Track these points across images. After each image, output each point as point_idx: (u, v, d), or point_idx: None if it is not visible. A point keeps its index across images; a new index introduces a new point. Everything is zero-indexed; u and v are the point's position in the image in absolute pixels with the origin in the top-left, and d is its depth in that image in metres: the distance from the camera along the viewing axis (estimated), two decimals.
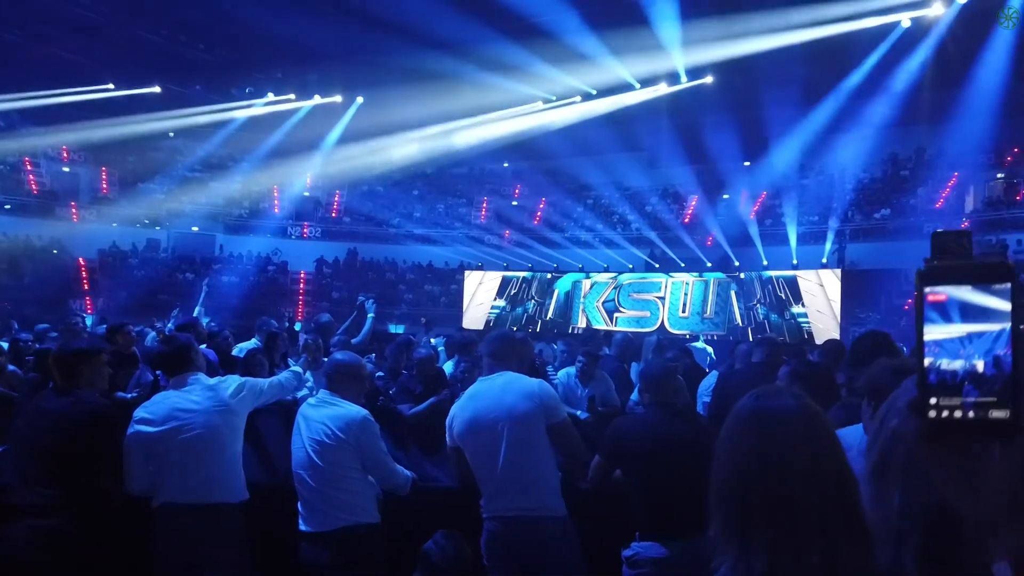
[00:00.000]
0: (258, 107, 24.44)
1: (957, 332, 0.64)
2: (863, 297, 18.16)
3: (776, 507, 1.03)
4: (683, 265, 21.30)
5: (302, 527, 3.38)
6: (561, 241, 24.42)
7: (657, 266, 22.07)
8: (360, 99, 24.67)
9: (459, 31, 16.62)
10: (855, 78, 19.53)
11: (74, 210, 24.61)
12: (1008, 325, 0.62)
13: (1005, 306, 0.62)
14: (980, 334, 0.63)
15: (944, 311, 0.65)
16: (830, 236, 20.59)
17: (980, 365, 0.62)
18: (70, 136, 24.59)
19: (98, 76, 21.68)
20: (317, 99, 24.20)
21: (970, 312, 0.63)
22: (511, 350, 3.58)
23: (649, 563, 3.32)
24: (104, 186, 25.77)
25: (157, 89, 22.72)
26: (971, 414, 0.63)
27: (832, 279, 17.40)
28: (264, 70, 21.76)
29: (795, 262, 19.60)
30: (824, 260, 19.45)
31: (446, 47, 17.72)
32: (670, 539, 3.30)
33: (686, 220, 24.04)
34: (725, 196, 23.99)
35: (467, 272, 23.10)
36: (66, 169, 25.75)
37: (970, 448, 0.64)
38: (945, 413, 0.64)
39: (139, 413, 3.47)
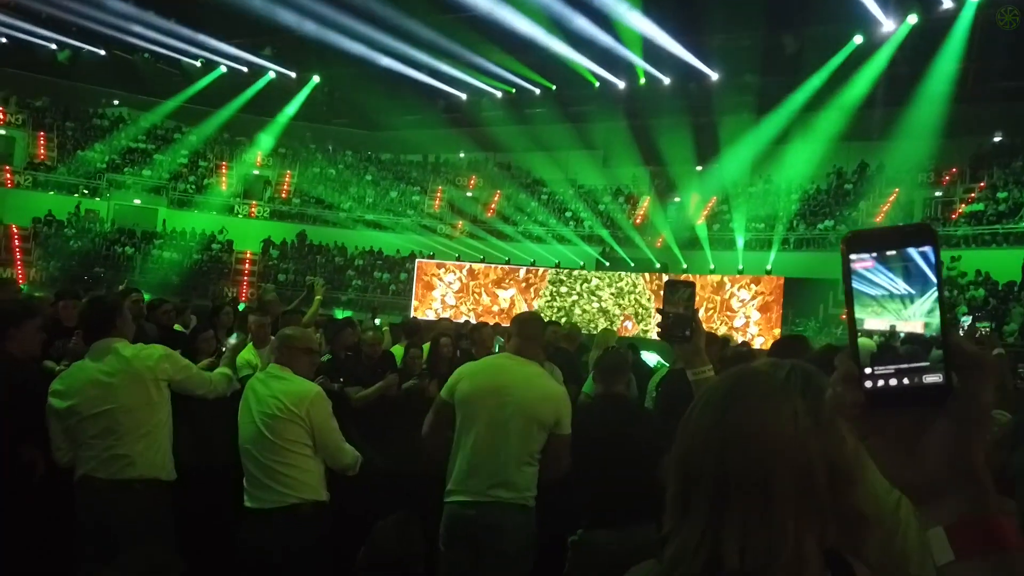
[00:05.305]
0: (210, 78, 23.78)
1: (885, 299, 0.62)
2: (801, 305, 18.63)
3: (754, 487, 0.91)
4: (632, 265, 21.53)
5: (247, 503, 3.29)
6: (514, 235, 24.41)
7: (608, 264, 22.27)
8: (316, 77, 24.22)
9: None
10: (806, 91, 20.04)
11: (8, 175, 23.53)
12: (934, 288, 0.61)
13: (929, 270, 0.61)
14: (908, 299, 0.62)
15: (871, 278, 0.63)
16: (775, 243, 21.08)
17: (910, 330, 0.62)
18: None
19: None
20: (271, 74, 23.68)
21: (897, 278, 0.62)
22: (542, 332, 3.60)
23: (593, 549, 3.35)
24: (41, 152, 24.68)
25: (102, 52, 21.93)
26: (905, 380, 0.61)
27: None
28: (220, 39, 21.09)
29: (741, 267, 20.02)
30: (768, 267, 19.91)
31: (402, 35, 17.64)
32: (615, 526, 3.33)
33: (637, 221, 24.31)
34: (676, 199, 24.35)
35: (418, 260, 22.93)
36: (2, 132, 24.58)
37: (907, 415, 0.63)
38: (881, 382, 0.61)
39: (55, 384, 3.29)
